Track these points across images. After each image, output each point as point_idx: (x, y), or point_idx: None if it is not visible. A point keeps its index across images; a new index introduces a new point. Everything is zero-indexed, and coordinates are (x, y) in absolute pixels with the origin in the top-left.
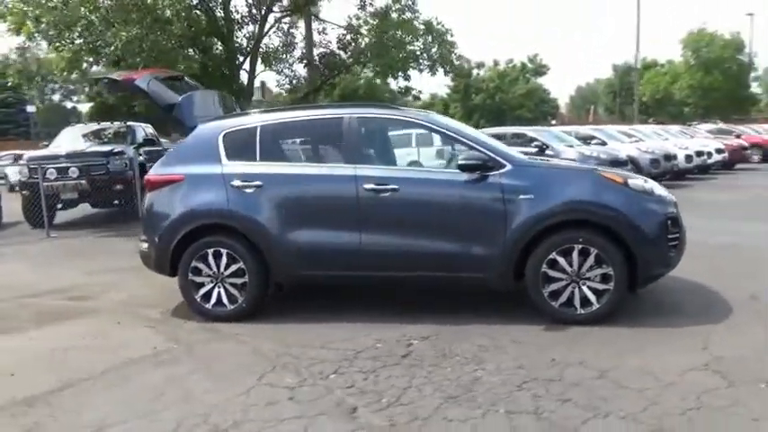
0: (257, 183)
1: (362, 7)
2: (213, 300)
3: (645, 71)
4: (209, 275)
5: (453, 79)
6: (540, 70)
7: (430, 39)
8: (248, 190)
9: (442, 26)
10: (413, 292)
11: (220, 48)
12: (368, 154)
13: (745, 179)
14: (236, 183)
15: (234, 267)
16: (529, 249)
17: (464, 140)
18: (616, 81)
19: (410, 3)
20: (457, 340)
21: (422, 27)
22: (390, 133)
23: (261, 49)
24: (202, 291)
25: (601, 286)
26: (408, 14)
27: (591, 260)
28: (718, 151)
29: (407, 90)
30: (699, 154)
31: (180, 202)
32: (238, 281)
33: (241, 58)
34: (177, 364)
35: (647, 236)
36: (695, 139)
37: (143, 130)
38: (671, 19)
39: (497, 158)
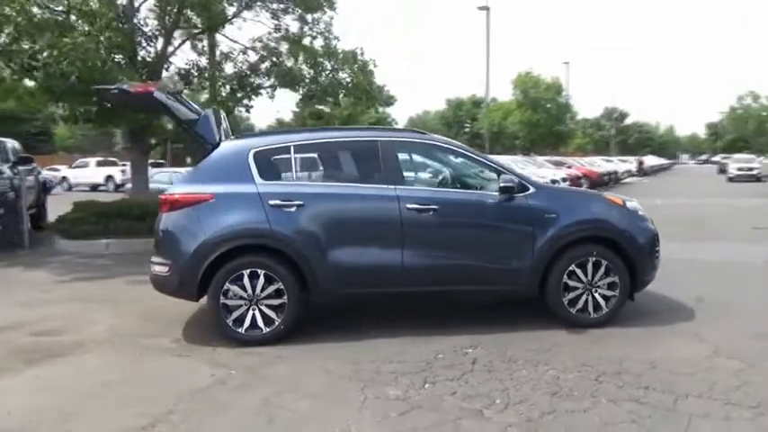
0: (298, 202)
1: (278, 29)
2: (247, 323)
3: (479, 107)
4: (242, 298)
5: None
6: (389, 101)
7: (356, 68)
8: (289, 209)
9: (362, 55)
10: (418, 306)
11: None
12: (405, 175)
13: None
14: (276, 202)
15: (271, 288)
16: (551, 262)
17: (493, 165)
18: (449, 113)
19: (325, 30)
20: (503, 346)
21: (338, 54)
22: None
23: (179, 70)
24: (235, 314)
25: (608, 293)
26: (322, 41)
27: (602, 271)
28: (563, 180)
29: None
30: (553, 182)
31: (212, 222)
32: (276, 302)
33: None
34: (256, 387)
35: (643, 248)
36: (543, 169)
37: (12, 145)
38: (503, 61)
39: (524, 182)
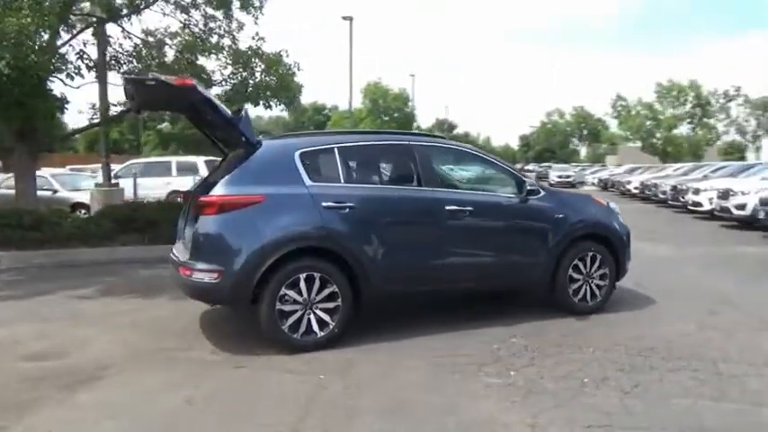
0: (350, 204)
1: (186, 26)
2: (303, 328)
3: (321, 114)
4: (298, 302)
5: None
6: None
7: (281, 70)
8: (342, 211)
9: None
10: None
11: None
12: (440, 178)
13: None
14: (329, 204)
15: (326, 291)
16: (560, 257)
17: (510, 168)
18: (291, 119)
19: (230, 28)
20: (537, 334)
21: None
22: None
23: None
24: (291, 320)
25: (601, 283)
26: (227, 41)
27: (597, 263)
28: None
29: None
30: None
31: (267, 225)
32: (330, 305)
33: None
34: (365, 388)
35: (625, 243)
36: None
37: None
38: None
39: (536, 186)
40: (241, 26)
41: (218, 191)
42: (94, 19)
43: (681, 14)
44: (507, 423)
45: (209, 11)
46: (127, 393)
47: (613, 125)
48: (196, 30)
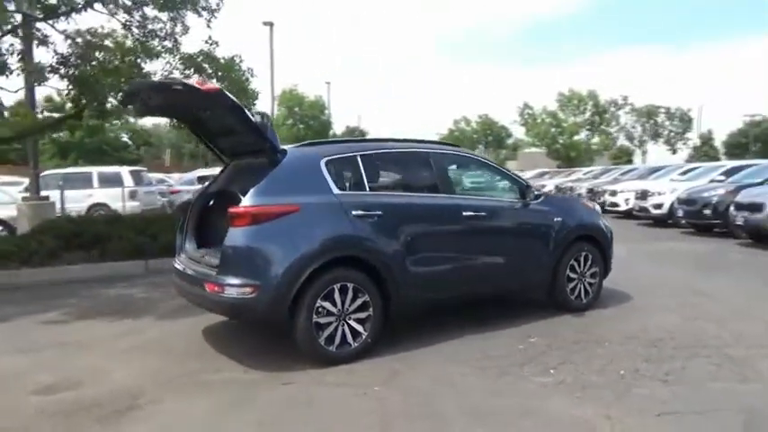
0: (378, 212)
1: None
2: (338, 340)
3: None
4: (333, 314)
5: None
6: None
7: (237, 76)
8: (371, 219)
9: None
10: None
11: None
12: (455, 185)
13: None
14: (359, 212)
15: (359, 301)
16: (560, 258)
17: (511, 174)
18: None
19: (173, 31)
20: (551, 333)
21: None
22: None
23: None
24: (327, 332)
25: (592, 281)
26: (169, 44)
27: (589, 262)
28: None
29: None
30: None
31: (303, 235)
32: (362, 315)
33: None
34: (432, 397)
35: (609, 242)
36: None
37: None
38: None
39: (539, 191)
40: (186, 29)
41: (250, 201)
42: (18, 19)
43: (577, 30)
44: (586, 418)
45: (153, 12)
46: (184, 422)
47: (519, 132)
48: (136, 32)
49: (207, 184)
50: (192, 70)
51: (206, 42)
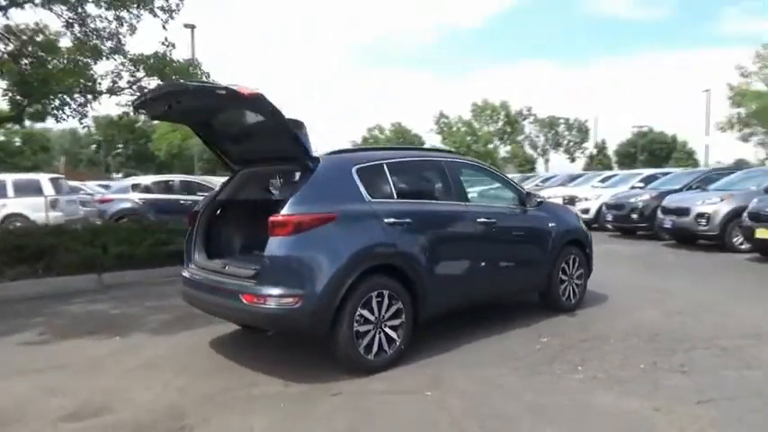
0: (407, 220)
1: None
2: (375, 347)
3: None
4: (370, 322)
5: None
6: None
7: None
8: (400, 227)
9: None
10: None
11: None
12: (466, 193)
13: None
14: (391, 220)
15: (393, 308)
16: (554, 261)
17: (511, 181)
18: (99, 132)
19: (118, 31)
20: (557, 333)
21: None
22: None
23: None
24: (366, 340)
25: (578, 282)
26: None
27: (576, 264)
28: None
29: None
30: None
31: (343, 243)
32: (396, 322)
33: None
34: (492, 398)
35: (590, 243)
36: None
37: None
38: None
39: (540, 197)
40: (133, 29)
41: (291, 209)
42: None
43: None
44: (638, 410)
45: (96, 11)
46: None
47: (434, 140)
48: (78, 29)
49: (215, 192)
50: (156, 74)
51: (162, 44)
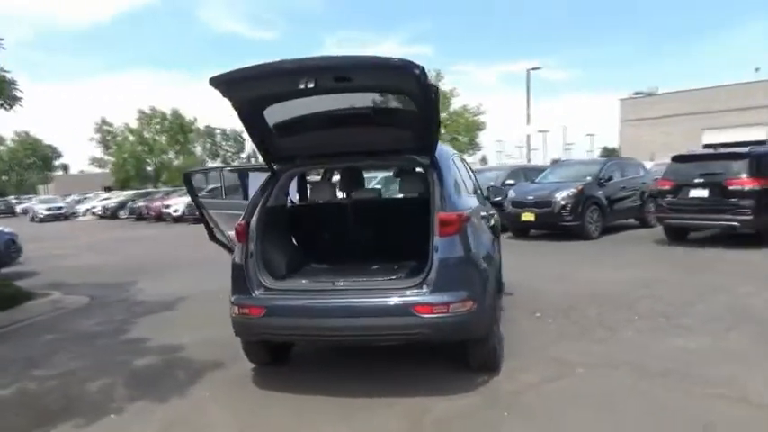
0: (492, 212)
1: None
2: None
3: None
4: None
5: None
6: None
7: None
8: (486, 222)
9: None
10: None
11: None
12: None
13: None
14: (483, 213)
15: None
16: None
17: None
18: None
19: None
20: (541, 308)
21: None
22: None
23: None
24: None
25: None
26: None
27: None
28: None
29: None
30: None
31: (480, 240)
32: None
33: None
34: (580, 399)
35: None
36: None
37: None
38: None
39: None
40: None
41: (451, 206)
42: None
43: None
44: (720, 347)
45: None
46: None
47: (96, 153)
48: None
49: (261, 198)
50: None
51: None
